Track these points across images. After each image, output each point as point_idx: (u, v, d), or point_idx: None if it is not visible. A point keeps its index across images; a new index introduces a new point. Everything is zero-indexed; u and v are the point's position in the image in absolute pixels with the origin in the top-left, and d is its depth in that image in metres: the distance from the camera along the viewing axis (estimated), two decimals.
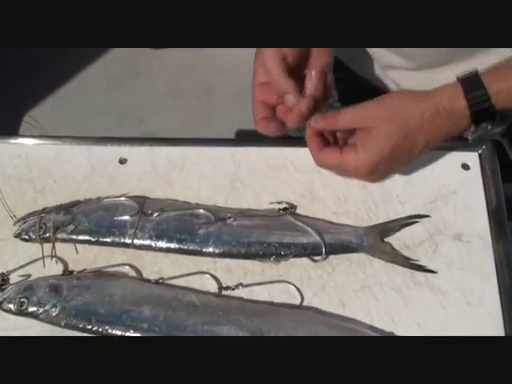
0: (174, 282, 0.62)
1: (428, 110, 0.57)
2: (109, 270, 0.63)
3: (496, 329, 0.58)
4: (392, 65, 0.73)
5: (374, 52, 0.74)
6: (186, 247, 0.63)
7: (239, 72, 1.84)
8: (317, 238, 0.62)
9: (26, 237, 0.64)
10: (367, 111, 0.59)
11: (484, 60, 0.62)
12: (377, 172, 0.61)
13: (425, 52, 0.66)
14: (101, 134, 0.77)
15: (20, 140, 0.75)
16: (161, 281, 0.62)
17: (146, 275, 0.63)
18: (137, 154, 0.72)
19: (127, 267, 0.63)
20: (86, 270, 0.63)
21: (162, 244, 0.63)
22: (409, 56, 0.69)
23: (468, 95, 0.56)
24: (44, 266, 0.64)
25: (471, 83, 0.56)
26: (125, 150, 0.72)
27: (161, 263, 0.64)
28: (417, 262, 0.62)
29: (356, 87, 0.86)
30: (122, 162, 0.72)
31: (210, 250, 0.62)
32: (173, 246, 0.63)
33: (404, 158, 0.61)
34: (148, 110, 1.79)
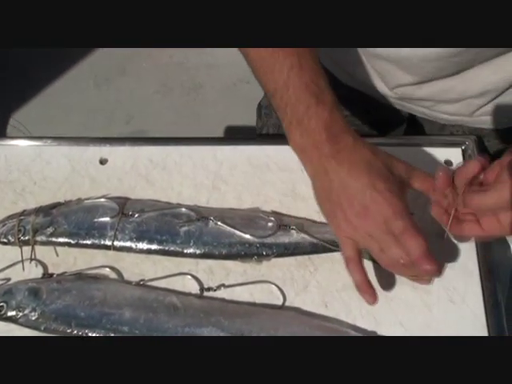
0: (155, 283, 0.62)
1: None
2: (89, 272, 0.63)
3: (479, 327, 0.58)
4: (399, 83, 0.71)
5: (379, 71, 0.72)
6: (166, 248, 0.62)
7: (228, 69, 1.84)
8: (299, 238, 0.62)
9: (5, 240, 0.63)
10: None
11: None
12: None
13: (423, 64, 0.64)
14: (89, 132, 0.76)
15: None
16: (142, 283, 0.61)
17: (126, 277, 0.62)
18: (117, 154, 0.71)
19: (108, 269, 0.63)
20: (66, 272, 0.63)
21: (143, 245, 0.62)
22: (408, 70, 0.67)
23: None
24: (23, 269, 0.63)
25: None
26: (105, 150, 0.72)
27: (142, 265, 0.63)
28: None
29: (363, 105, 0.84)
30: (103, 162, 0.71)
31: (191, 250, 0.62)
32: (154, 247, 0.62)
33: None
34: (137, 107, 1.79)
